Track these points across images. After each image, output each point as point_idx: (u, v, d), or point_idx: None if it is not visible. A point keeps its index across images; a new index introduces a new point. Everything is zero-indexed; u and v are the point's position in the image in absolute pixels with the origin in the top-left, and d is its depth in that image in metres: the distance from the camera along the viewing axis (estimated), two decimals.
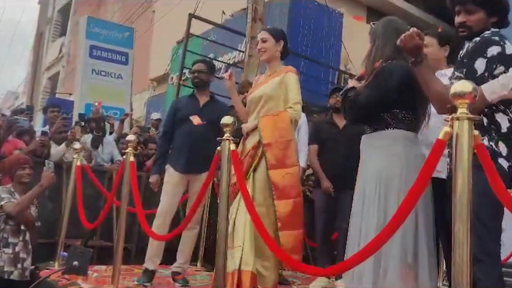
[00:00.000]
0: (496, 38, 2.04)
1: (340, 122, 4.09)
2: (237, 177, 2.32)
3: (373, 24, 2.61)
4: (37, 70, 13.75)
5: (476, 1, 2.13)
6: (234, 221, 2.96)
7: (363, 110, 2.35)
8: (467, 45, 2.13)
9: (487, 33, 2.10)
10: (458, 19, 2.18)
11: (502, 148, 1.98)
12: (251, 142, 3.14)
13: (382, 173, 2.25)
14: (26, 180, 3.41)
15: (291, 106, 3.12)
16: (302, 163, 4.10)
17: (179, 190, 3.67)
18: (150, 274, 3.53)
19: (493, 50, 2.00)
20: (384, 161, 2.27)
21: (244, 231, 2.93)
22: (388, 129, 2.31)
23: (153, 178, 3.77)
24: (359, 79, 2.46)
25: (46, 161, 3.79)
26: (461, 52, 2.19)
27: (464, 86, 1.49)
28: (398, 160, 2.25)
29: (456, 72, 2.13)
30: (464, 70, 2.04)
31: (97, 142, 5.22)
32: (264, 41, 3.23)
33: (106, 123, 5.62)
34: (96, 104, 5.21)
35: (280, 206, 2.97)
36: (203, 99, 3.81)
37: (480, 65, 2.01)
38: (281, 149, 3.04)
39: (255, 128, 3.13)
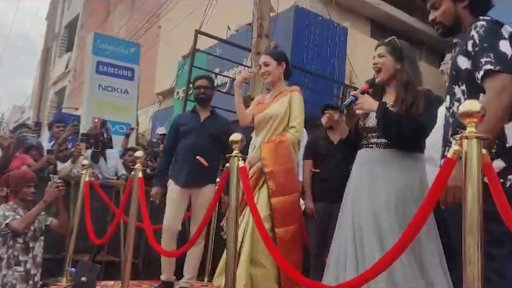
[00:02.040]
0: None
1: (334, 137, 4.11)
2: (246, 194, 2.34)
3: (396, 40, 2.63)
4: (44, 85, 13.88)
5: None
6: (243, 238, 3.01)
7: (424, 134, 2.46)
8: (469, 37, 1.92)
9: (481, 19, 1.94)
10: (429, 19, 2.09)
11: (497, 165, 1.83)
12: (254, 168, 3.26)
13: (408, 192, 2.36)
14: (30, 198, 3.44)
15: (294, 125, 3.23)
16: (301, 177, 4.15)
17: (181, 204, 3.75)
18: (166, 286, 3.64)
19: (507, 29, 1.87)
20: (409, 178, 2.39)
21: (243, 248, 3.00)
22: (417, 151, 2.51)
23: (154, 190, 3.83)
24: (363, 92, 2.54)
25: (50, 175, 3.83)
26: (453, 51, 2.07)
27: (472, 105, 1.51)
28: (420, 179, 2.44)
29: (481, 60, 1.85)
30: (491, 54, 1.81)
31: (96, 157, 5.26)
32: (266, 64, 3.34)
33: (107, 138, 5.65)
34: (96, 119, 5.25)
35: (280, 233, 3.08)
36: (204, 114, 3.89)
37: (504, 46, 1.84)
38: (282, 176, 3.15)
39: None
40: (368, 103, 2.46)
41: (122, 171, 5.54)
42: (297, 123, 3.25)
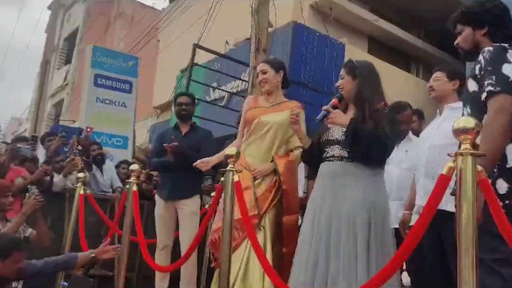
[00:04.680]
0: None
1: None
2: (241, 210, 2.32)
3: (355, 61, 2.76)
4: (42, 97, 13.86)
5: (460, 21, 2.19)
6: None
7: (388, 150, 2.59)
8: (477, 61, 2.06)
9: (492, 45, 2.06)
10: (454, 43, 2.26)
11: (500, 186, 1.91)
12: (266, 181, 3.13)
13: (374, 203, 2.44)
14: (8, 208, 3.41)
15: (300, 146, 3.17)
16: (300, 192, 4.14)
17: (168, 219, 3.82)
18: None
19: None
20: (373, 191, 2.47)
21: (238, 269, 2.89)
22: (378, 166, 2.61)
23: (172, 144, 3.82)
24: (334, 107, 2.64)
25: (28, 187, 3.82)
26: (471, 72, 2.16)
27: (466, 122, 1.51)
28: (384, 193, 2.57)
29: (484, 83, 1.97)
30: (494, 77, 1.93)
31: (89, 168, 5.25)
32: (264, 72, 3.31)
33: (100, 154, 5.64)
34: (88, 130, 5.24)
35: (287, 251, 3.01)
36: (185, 129, 4.05)
37: (508, 69, 1.95)
38: (293, 194, 3.15)
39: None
40: (340, 118, 2.55)
41: (118, 184, 5.55)
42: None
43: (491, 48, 2.02)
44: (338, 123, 2.56)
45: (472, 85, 2.05)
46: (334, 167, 2.56)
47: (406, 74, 11.39)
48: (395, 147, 3.28)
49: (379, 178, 2.58)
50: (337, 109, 2.62)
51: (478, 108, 1.99)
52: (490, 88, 1.90)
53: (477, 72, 2.01)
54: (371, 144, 2.47)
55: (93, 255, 3.02)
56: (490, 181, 1.84)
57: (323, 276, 2.33)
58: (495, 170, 1.91)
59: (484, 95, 1.93)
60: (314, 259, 2.38)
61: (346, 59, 10.48)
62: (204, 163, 3.28)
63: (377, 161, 2.61)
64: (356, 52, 9.87)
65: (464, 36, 2.18)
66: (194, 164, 3.35)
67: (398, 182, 3.44)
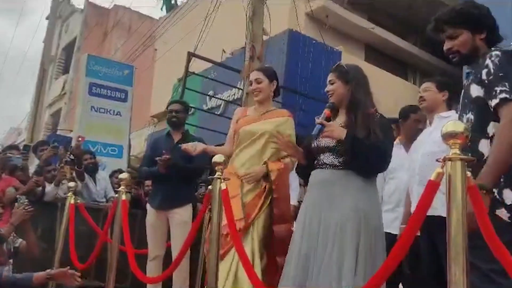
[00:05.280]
0: None
1: None
2: (228, 219, 2.27)
3: (345, 65, 2.70)
4: (39, 107, 13.82)
5: (456, 24, 2.08)
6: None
7: (388, 159, 2.51)
8: (483, 66, 1.97)
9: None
10: (445, 47, 2.15)
11: (507, 196, 1.84)
12: (256, 188, 3.05)
13: (364, 211, 2.37)
14: None
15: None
16: (294, 201, 4.08)
17: (160, 229, 3.78)
18: None
19: None
20: (364, 200, 2.41)
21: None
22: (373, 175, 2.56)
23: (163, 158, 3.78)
24: (327, 119, 2.51)
25: (18, 197, 3.78)
26: (468, 80, 2.09)
27: (455, 126, 1.46)
28: (376, 202, 2.51)
29: (497, 89, 1.89)
30: (507, 84, 1.86)
31: (81, 177, 5.20)
32: (259, 82, 3.26)
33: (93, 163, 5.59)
34: (80, 139, 5.20)
35: (280, 261, 2.90)
36: (177, 137, 4.02)
37: None
38: (286, 203, 3.08)
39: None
40: (337, 131, 2.45)
41: (112, 193, 5.49)
42: None
43: (498, 53, 1.95)
44: (335, 136, 2.46)
45: (475, 90, 1.97)
46: (325, 175, 2.51)
47: (402, 81, 11.38)
48: (405, 152, 3.27)
49: (371, 187, 2.52)
50: (332, 122, 2.53)
51: (482, 114, 1.93)
52: (504, 95, 1.83)
53: (484, 77, 1.93)
54: (370, 156, 2.41)
55: (49, 276, 2.93)
56: (496, 190, 1.81)
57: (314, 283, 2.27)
58: (502, 179, 1.85)
59: (495, 102, 1.86)
60: (304, 265, 2.32)
61: None
62: (193, 147, 3.20)
63: (376, 171, 2.57)
64: (352, 60, 9.86)
65: (462, 41, 2.08)
66: (183, 147, 3.26)
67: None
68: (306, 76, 9.02)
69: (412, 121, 3.54)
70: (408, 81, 12.06)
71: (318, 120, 2.46)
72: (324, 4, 10.02)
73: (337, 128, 2.47)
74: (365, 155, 2.39)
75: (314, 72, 9.16)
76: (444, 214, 2.26)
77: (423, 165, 2.75)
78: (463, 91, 2.10)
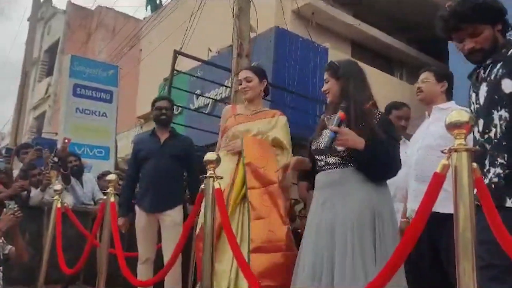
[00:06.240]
0: None
1: None
2: (222, 218, 2.19)
3: (337, 62, 2.59)
4: (22, 110, 13.58)
5: (478, 20, 1.88)
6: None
7: (398, 164, 2.38)
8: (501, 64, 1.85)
9: None
10: (466, 47, 1.94)
11: None
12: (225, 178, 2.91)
13: (378, 206, 2.26)
14: None
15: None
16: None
17: (150, 231, 3.68)
18: None
19: None
20: (377, 195, 2.29)
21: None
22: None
23: (120, 221, 3.64)
24: (340, 124, 2.27)
25: (6, 202, 3.68)
26: (489, 70, 1.92)
27: (460, 115, 1.40)
28: (388, 196, 2.39)
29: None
30: None
31: (67, 180, 5.08)
32: (249, 80, 3.22)
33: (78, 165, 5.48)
34: (66, 141, 5.07)
35: (254, 227, 2.81)
36: (164, 136, 3.84)
37: None
38: (260, 167, 2.95)
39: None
40: (352, 139, 2.24)
41: (100, 196, 5.38)
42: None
43: None
44: (350, 145, 2.25)
45: (509, 86, 1.79)
46: (332, 176, 2.37)
47: (388, 77, 11.39)
48: None
49: (382, 183, 2.38)
50: (346, 129, 2.28)
51: None
52: None
53: None
54: (388, 163, 2.31)
55: None
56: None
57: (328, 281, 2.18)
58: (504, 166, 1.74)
59: None
60: (320, 265, 2.21)
61: None
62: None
63: (391, 175, 2.42)
64: (339, 56, 9.84)
65: (485, 37, 1.90)
66: None
67: (403, 183, 3.34)
68: (294, 73, 8.97)
69: (394, 117, 3.47)
70: (395, 77, 12.09)
71: (332, 127, 2.23)
72: (310, 1, 9.97)
73: (353, 136, 2.26)
74: (383, 164, 2.28)
75: (302, 69, 9.12)
76: (442, 210, 2.23)
77: (419, 159, 2.70)
78: (483, 85, 1.91)
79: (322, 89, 2.56)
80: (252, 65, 5.45)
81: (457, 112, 1.43)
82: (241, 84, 3.27)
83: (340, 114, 2.26)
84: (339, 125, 2.23)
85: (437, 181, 1.42)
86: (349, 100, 2.37)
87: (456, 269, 1.34)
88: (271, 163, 3.00)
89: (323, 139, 2.40)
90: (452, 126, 1.39)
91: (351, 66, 2.56)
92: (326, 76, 2.54)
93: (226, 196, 2.79)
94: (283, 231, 2.85)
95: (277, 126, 3.17)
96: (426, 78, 2.89)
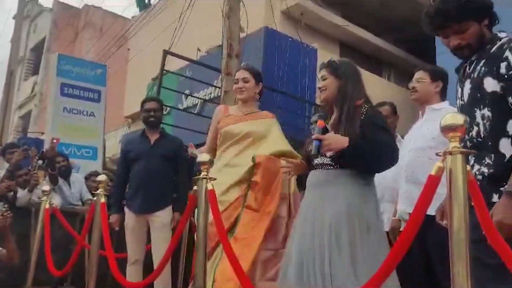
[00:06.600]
0: None
1: None
2: (215, 220, 2.18)
3: (338, 60, 2.60)
4: (8, 110, 13.41)
5: (464, 17, 1.85)
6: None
7: (392, 150, 2.35)
8: (501, 58, 1.78)
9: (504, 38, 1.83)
10: (451, 43, 1.92)
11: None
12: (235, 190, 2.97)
13: (360, 210, 2.28)
14: None
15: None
16: None
17: (140, 233, 3.66)
18: None
19: None
20: (359, 198, 2.31)
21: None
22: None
23: (112, 218, 3.66)
24: (323, 131, 2.34)
25: None
26: (473, 67, 1.89)
27: (455, 118, 1.41)
28: (373, 200, 2.38)
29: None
30: None
31: (54, 181, 5.03)
32: (246, 81, 3.20)
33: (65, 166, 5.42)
34: (54, 141, 5.01)
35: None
36: (153, 137, 3.82)
37: None
38: (262, 193, 2.95)
39: None
40: (337, 142, 2.27)
41: (88, 196, 5.34)
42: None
43: None
44: (338, 148, 2.28)
45: (491, 85, 1.76)
46: (319, 176, 2.42)
47: (376, 78, 11.47)
48: None
49: (366, 184, 2.39)
50: (329, 133, 2.34)
51: (501, 111, 1.74)
52: None
53: (503, 71, 1.73)
54: (378, 154, 2.30)
55: None
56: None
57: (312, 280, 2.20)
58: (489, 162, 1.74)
59: None
60: (301, 265, 2.25)
61: (318, 64, 10.55)
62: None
63: (383, 166, 2.42)
64: (328, 57, 9.87)
65: (472, 32, 1.86)
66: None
67: (392, 184, 3.35)
68: (283, 73, 8.99)
69: None
70: (383, 78, 12.17)
71: (314, 135, 2.29)
72: (299, 1, 10.01)
73: (335, 139, 2.29)
74: (370, 155, 2.28)
75: (291, 69, 9.15)
76: (429, 212, 2.24)
77: (410, 161, 2.70)
78: (468, 82, 1.90)
79: (318, 85, 2.56)
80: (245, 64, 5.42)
81: (451, 115, 1.44)
82: (237, 84, 3.23)
83: (319, 122, 2.36)
84: (323, 132, 2.30)
85: (432, 184, 1.43)
86: (346, 99, 2.42)
87: (450, 269, 1.35)
88: (274, 191, 3.01)
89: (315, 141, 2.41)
90: (447, 129, 1.40)
91: (350, 66, 2.58)
92: (324, 73, 2.53)
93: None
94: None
95: (272, 132, 3.16)
96: (421, 78, 2.85)
